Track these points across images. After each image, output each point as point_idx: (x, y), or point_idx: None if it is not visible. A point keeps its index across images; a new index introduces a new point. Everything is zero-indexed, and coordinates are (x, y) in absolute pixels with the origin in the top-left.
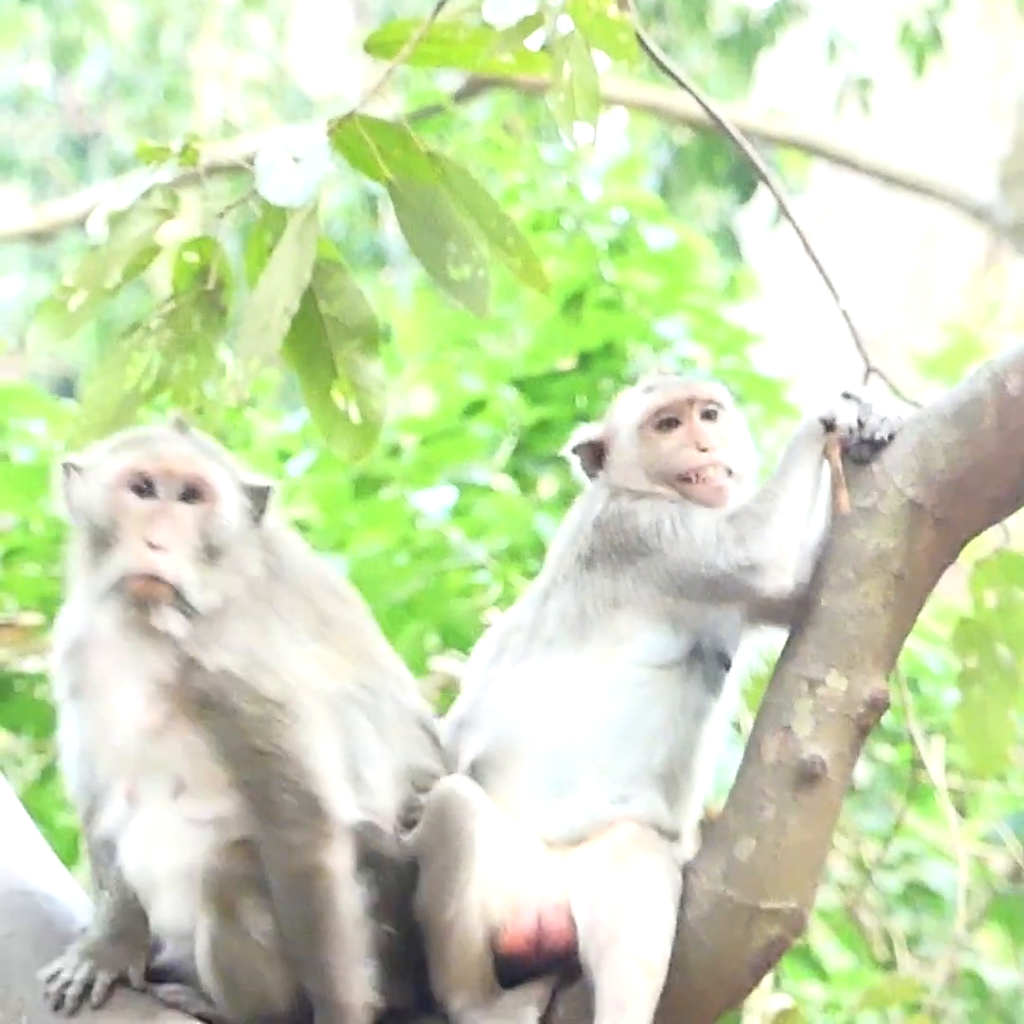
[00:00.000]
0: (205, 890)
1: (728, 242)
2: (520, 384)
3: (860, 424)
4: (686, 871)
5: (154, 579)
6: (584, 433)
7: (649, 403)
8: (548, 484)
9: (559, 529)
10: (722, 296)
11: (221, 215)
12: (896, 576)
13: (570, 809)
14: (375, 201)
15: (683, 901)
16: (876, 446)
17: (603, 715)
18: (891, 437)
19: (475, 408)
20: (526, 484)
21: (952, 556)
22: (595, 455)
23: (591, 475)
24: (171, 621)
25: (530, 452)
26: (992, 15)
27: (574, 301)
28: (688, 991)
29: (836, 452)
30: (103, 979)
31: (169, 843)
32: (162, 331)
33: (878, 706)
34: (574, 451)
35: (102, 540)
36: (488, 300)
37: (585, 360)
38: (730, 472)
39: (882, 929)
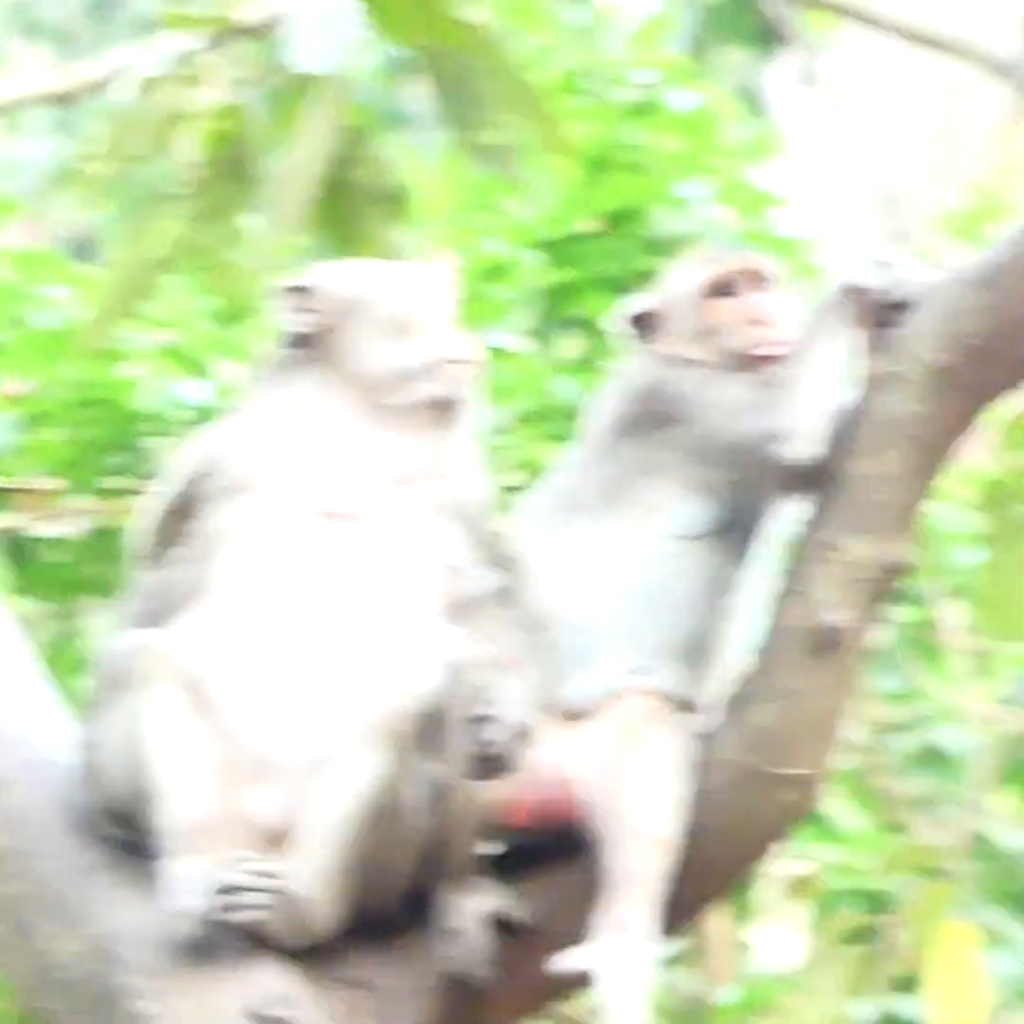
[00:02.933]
0: (387, 723)
1: (754, 101)
2: (543, 247)
3: (888, 288)
4: (703, 738)
5: (470, 362)
6: (636, 303)
7: (707, 274)
8: (570, 347)
9: (598, 398)
10: (746, 155)
11: (250, 83)
12: (920, 441)
13: (587, 680)
14: (396, 64)
15: (700, 768)
16: (904, 310)
17: (630, 587)
18: (918, 301)
19: (497, 271)
20: (548, 347)
21: (976, 420)
22: (645, 325)
23: (642, 344)
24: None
25: (553, 315)
26: None
27: (598, 165)
28: (704, 858)
29: (865, 318)
30: None
31: (337, 650)
32: (189, 198)
33: (900, 571)
34: (625, 320)
35: (402, 331)
36: (517, 165)
37: (608, 223)
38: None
39: (895, 791)
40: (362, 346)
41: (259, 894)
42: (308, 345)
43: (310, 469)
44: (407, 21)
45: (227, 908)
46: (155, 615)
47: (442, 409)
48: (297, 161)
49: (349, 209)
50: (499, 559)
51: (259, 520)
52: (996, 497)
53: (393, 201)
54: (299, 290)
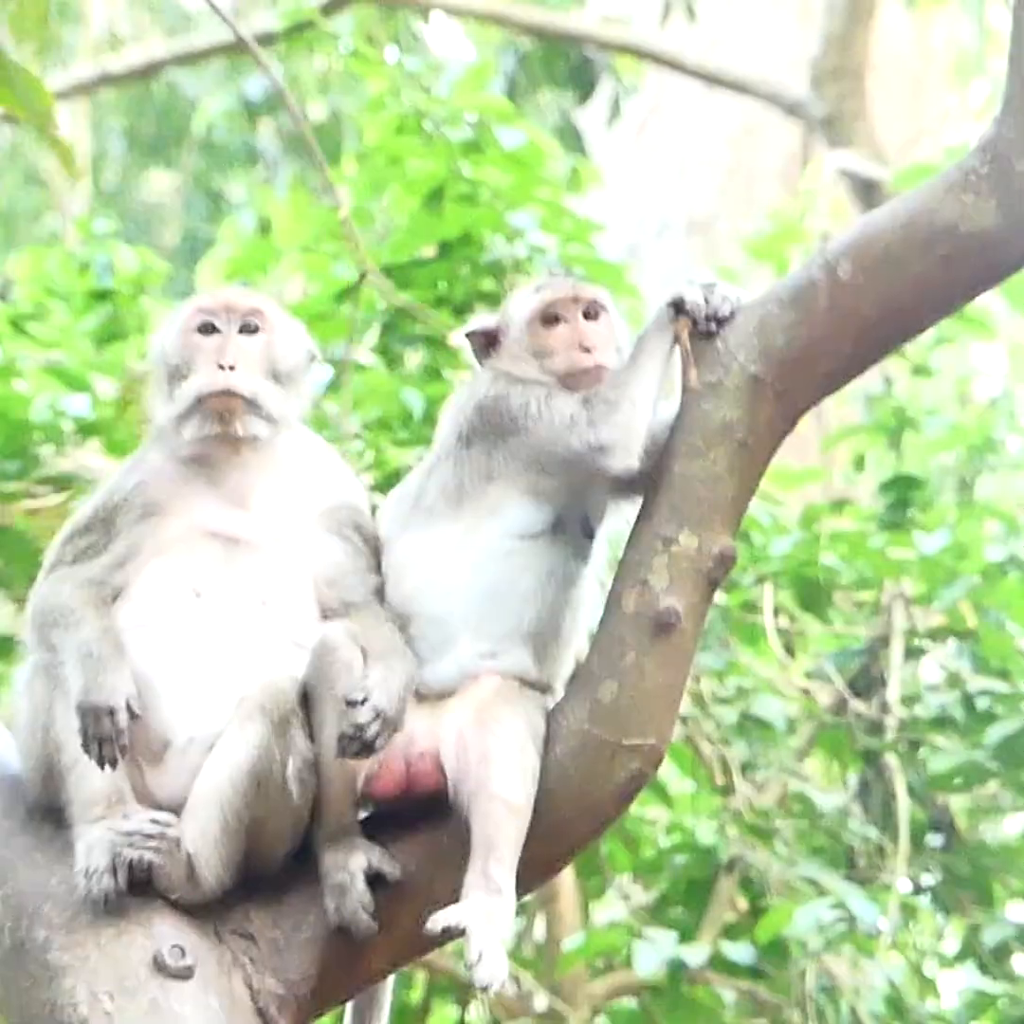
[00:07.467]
0: (264, 698)
1: (571, 138)
2: (387, 271)
3: (706, 301)
4: (555, 713)
5: (230, 393)
6: (478, 322)
7: (537, 301)
8: (412, 360)
9: (444, 409)
10: (567, 188)
11: None
12: (740, 444)
13: (445, 665)
14: (250, 108)
15: (552, 740)
16: (721, 322)
17: (476, 581)
18: (733, 313)
19: (346, 293)
20: (393, 361)
21: (790, 425)
22: (487, 343)
23: (481, 361)
24: (254, 427)
25: (396, 332)
26: None
27: (435, 196)
28: (558, 822)
29: (685, 333)
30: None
31: (228, 646)
32: None
33: (726, 561)
34: (467, 337)
35: (177, 376)
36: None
37: (445, 249)
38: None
39: (720, 757)
40: (155, 402)
41: (152, 839)
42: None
43: (204, 498)
44: None
45: (124, 849)
46: (72, 611)
47: (220, 443)
48: None
49: None
50: (375, 561)
51: (165, 538)
52: None
53: None
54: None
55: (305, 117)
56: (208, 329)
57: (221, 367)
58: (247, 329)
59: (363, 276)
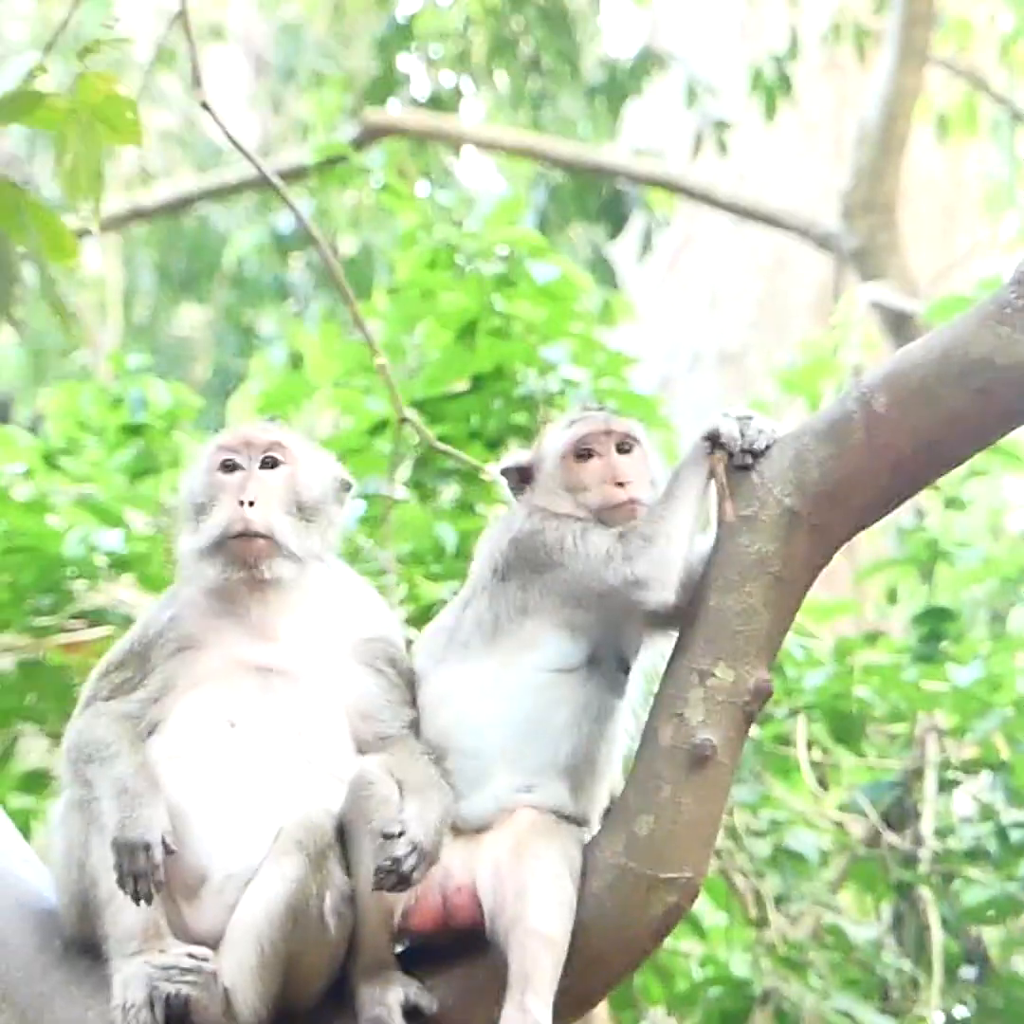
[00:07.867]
0: (301, 833)
1: (604, 271)
2: (419, 406)
3: (741, 434)
4: (591, 846)
5: (250, 534)
6: (513, 457)
7: (571, 435)
8: (446, 495)
9: (480, 543)
10: (599, 321)
11: None
12: (776, 577)
13: (481, 799)
14: (281, 242)
15: (588, 873)
16: (756, 455)
17: (512, 715)
18: (769, 447)
19: (379, 428)
20: (426, 495)
21: (826, 558)
22: (521, 478)
23: (517, 495)
24: (278, 569)
25: (429, 466)
26: (834, 61)
27: (467, 330)
28: (594, 955)
29: (721, 466)
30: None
31: (264, 779)
32: None
33: (762, 694)
34: (503, 473)
35: (201, 513)
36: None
37: (477, 383)
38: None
39: (753, 890)
40: (182, 538)
41: (189, 974)
42: None
43: (234, 631)
44: None
45: (161, 983)
46: (107, 746)
47: (246, 582)
48: None
49: None
50: (410, 695)
51: (199, 671)
52: None
53: None
54: None
55: (335, 253)
56: (230, 466)
57: (241, 503)
58: (268, 464)
59: (402, 420)
